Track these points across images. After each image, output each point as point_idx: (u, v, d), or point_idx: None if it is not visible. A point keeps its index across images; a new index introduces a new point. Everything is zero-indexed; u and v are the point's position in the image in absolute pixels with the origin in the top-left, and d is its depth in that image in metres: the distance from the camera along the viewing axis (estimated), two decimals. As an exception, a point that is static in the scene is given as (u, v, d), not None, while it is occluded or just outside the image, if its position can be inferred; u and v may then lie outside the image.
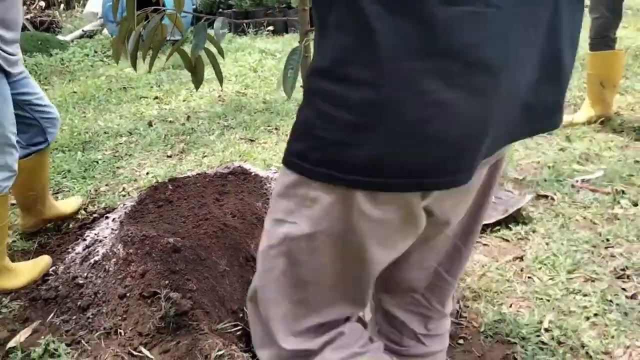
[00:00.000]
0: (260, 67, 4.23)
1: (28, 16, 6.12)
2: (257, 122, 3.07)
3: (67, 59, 4.93)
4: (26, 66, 4.61)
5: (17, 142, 1.64)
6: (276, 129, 2.99)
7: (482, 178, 0.74)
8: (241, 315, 1.56)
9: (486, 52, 0.54)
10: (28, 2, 6.50)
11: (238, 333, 1.49)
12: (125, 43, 1.19)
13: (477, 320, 1.42)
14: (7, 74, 1.57)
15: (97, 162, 2.63)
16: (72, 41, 5.59)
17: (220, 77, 1.27)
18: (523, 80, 0.60)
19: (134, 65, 1.22)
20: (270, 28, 5.44)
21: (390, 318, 0.89)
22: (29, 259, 1.82)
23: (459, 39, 0.53)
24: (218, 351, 1.31)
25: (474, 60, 0.54)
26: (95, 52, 5.09)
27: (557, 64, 0.64)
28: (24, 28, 5.67)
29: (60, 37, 5.66)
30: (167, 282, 1.52)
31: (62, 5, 7.00)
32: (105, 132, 3.05)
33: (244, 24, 5.33)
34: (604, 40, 2.53)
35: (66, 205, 2.10)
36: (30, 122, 1.77)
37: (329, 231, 0.63)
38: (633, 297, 1.45)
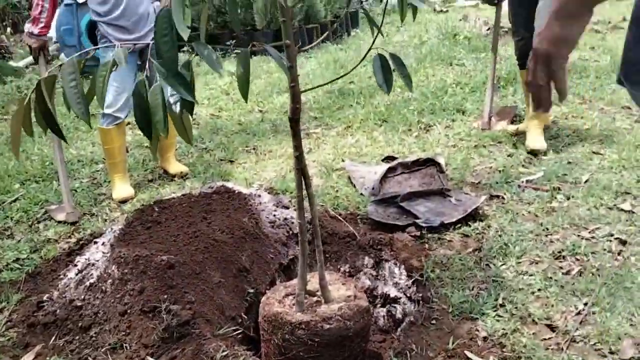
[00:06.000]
0: (232, 90, 4.33)
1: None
2: (235, 143, 3.18)
3: (25, 86, 4.68)
4: (-21, 95, 4.48)
5: None
6: (254, 149, 3.11)
7: None
8: (240, 321, 1.65)
9: None
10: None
11: (239, 337, 1.59)
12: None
13: (445, 303, 1.65)
14: None
15: (76, 191, 2.64)
16: (27, 67, 5.38)
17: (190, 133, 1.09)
18: None
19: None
20: (237, 51, 5.64)
21: None
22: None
23: None
24: (222, 352, 1.40)
25: None
26: (56, 81, 5.03)
27: None
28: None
29: (12, 63, 5.44)
30: (165, 296, 1.60)
31: (8, 29, 6.68)
32: (79, 160, 3.06)
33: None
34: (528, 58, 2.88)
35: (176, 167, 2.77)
36: None
37: None
38: (568, 273, 1.74)
